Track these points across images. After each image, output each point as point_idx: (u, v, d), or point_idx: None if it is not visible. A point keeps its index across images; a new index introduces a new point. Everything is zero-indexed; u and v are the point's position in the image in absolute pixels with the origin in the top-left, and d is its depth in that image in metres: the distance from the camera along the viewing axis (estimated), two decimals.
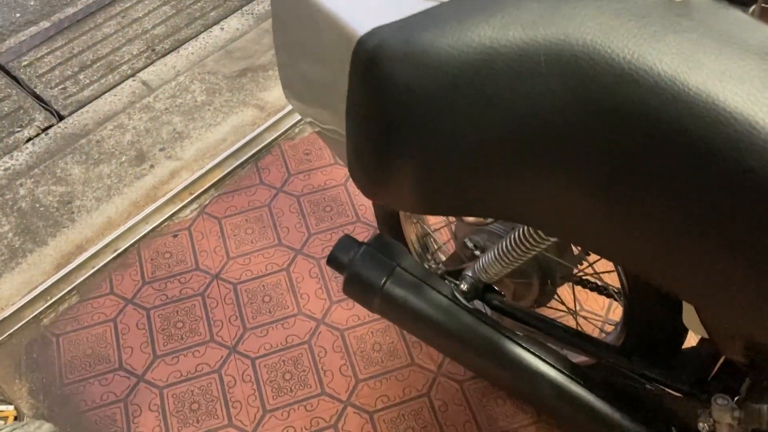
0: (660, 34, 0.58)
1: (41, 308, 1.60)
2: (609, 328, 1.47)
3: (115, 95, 2.09)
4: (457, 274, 1.19)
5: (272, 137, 1.90)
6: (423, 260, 1.45)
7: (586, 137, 0.61)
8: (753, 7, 0.62)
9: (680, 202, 0.59)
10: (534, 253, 0.98)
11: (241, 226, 1.72)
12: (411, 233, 1.41)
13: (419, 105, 0.63)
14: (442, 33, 0.61)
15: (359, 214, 1.72)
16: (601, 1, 0.60)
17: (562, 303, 1.36)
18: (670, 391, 1.01)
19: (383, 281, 1.11)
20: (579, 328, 1.43)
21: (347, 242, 1.17)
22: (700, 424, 0.91)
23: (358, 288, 1.14)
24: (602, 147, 0.61)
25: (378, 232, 1.32)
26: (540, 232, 0.93)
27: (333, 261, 1.17)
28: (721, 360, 0.99)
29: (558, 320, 1.44)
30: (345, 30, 0.67)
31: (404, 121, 0.65)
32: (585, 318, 1.46)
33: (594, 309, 1.53)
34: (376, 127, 0.67)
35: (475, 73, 0.61)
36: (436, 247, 1.46)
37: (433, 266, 1.44)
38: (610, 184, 0.63)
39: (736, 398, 0.92)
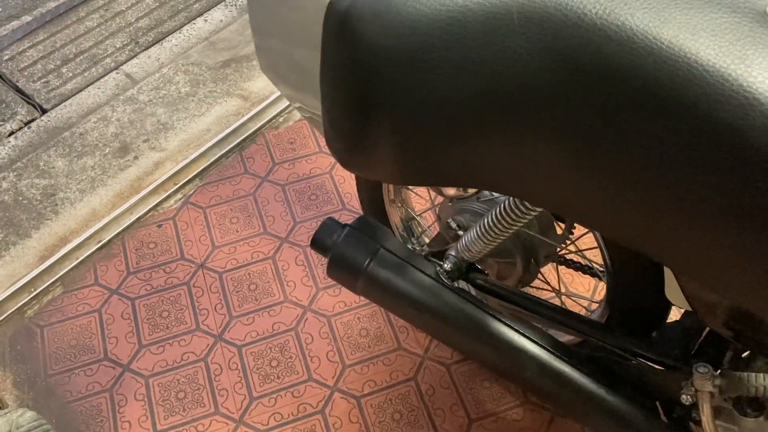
0: None
1: (25, 300, 1.59)
2: (594, 307, 1.48)
3: (98, 88, 2.07)
4: (442, 256, 1.19)
5: (256, 127, 1.89)
6: (407, 244, 1.44)
7: (560, 95, 0.61)
8: None
9: (657, 160, 0.59)
10: (516, 228, 0.98)
11: (226, 215, 1.71)
12: (395, 217, 1.41)
13: (392, 66, 0.63)
14: None
15: (344, 202, 1.72)
16: None
17: (547, 283, 1.36)
18: (654, 365, 1.01)
19: (367, 262, 1.10)
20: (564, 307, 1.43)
21: (330, 224, 1.16)
22: (683, 396, 0.91)
23: (342, 270, 1.13)
24: (577, 105, 0.60)
25: (363, 215, 1.32)
26: (522, 204, 0.93)
27: (316, 243, 1.16)
28: (705, 333, 0.99)
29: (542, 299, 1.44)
30: None
31: (377, 83, 0.64)
32: (570, 297, 1.46)
33: (579, 291, 1.53)
34: (350, 91, 0.67)
35: (448, 33, 0.60)
36: (420, 230, 1.46)
37: (418, 249, 1.43)
38: (586, 143, 0.62)
39: (718, 370, 0.92)
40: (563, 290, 1.51)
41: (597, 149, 0.62)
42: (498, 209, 0.96)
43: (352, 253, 1.11)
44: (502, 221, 0.97)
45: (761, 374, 0.83)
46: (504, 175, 0.72)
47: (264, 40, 0.87)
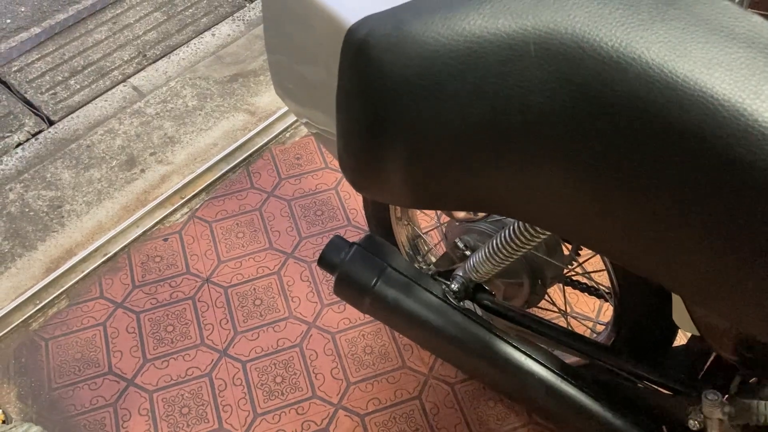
0: (648, 22, 0.59)
1: (30, 312, 1.59)
2: (600, 329, 1.48)
3: (105, 100, 2.08)
4: (448, 275, 1.19)
5: (263, 142, 1.90)
6: (414, 262, 1.45)
7: (575, 125, 0.61)
8: None
9: (669, 190, 0.60)
10: (524, 250, 0.98)
11: (231, 230, 1.71)
12: (402, 235, 1.41)
13: (408, 93, 0.63)
14: (431, 21, 0.62)
15: (350, 218, 1.72)
16: None
17: (553, 304, 1.36)
18: (660, 389, 1.01)
19: (374, 281, 1.10)
20: (570, 328, 1.43)
21: (338, 243, 1.16)
22: (691, 422, 0.91)
23: (349, 288, 1.13)
24: (591, 135, 0.61)
25: (370, 233, 1.32)
26: (531, 227, 0.93)
27: (324, 261, 1.16)
28: (712, 357, 0.99)
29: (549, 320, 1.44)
30: (336, 20, 0.67)
31: (393, 110, 0.65)
32: (575, 318, 1.46)
33: (585, 311, 1.53)
34: (365, 117, 0.67)
35: (464, 62, 0.61)
36: (426, 249, 1.46)
37: (424, 268, 1.43)
38: (599, 172, 0.63)
39: (725, 396, 0.92)
40: (569, 311, 1.51)
41: (610, 179, 0.62)
42: (506, 232, 0.97)
43: (359, 271, 1.12)
44: (511, 244, 0.97)
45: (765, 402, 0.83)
46: (515, 201, 0.73)
47: (276, 56, 0.88)
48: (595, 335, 1.26)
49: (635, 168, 0.60)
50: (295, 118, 1.94)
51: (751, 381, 0.92)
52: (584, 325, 1.47)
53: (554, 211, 0.71)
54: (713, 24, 0.58)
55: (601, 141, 0.60)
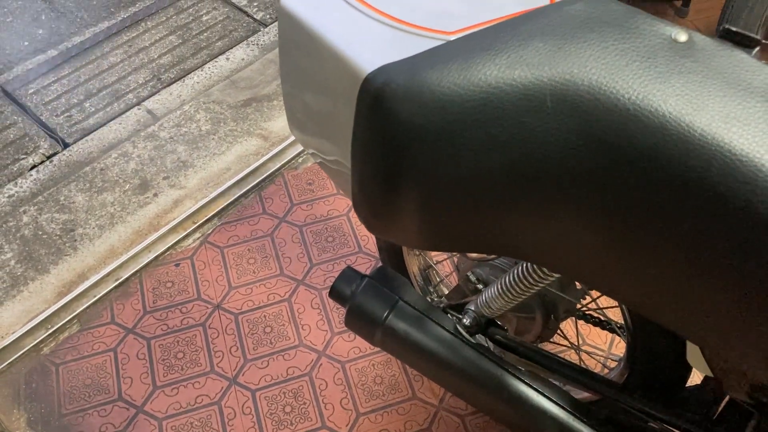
0: (665, 75, 0.59)
1: (41, 337, 1.59)
2: (612, 363, 1.46)
3: (120, 123, 2.10)
4: (460, 308, 1.19)
5: (276, 167, 1.90)
6: (425, 293, 1.44)
7: (591, 177, 0.61)
8: (756, 49, 0.62)
9: (685, 243, 0.59)
10: (537, 288, 0.98)
11: (243, 255, 1.72)
12: (413, 265, 1.41)
13: (424, 143, 0.63)
14: (447, 72, 0.62)
15: (361, 245, 1.72)
16: (606, 41, 0.61)
17: (565, 338, 1.35)
18: (673, 429, 1.00)
19: (385, 315, 1.10)
20: (582, 363, 1.42)
21: (349, 274, 1.16)
22: None
23: (360, 321, 1.13)
24: (606, 186, 0.61)
25: (380, 264, 1.32)
26: (543, 268, 0.93)
27: (335, 293, 1.16)
28: (726, 399, 0.98)
29: (561, 355, 1.43)
30: (351, 66, 0.68)
31: (409, 158, 0.65)
32: (587, 353, 1.45)
33: (597, 343, 1.51)
34: (381, 164, 0.67)
35: (480, 112, 0.61)
36: (438, 279, 1.46)
37: (435, 299, 1.43)
38: (614, 223, 0.63)
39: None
40: (580, 344, 1.50)
41: (625, 231, 0.62)
42: (519, 270, 0.97)
43: (370, 304, 1.12)
44: (524, 281, 0.97)
45: None
46: (527, 246, 0.73)
47: (289, 86, 0.89)
48: (607, 371, 1.25)
49: (651, 220, 0.60)
50: None
51: (766, 425, 0.91)
52: (596, 359, 1.46)
53: (567, 257, 0.71)
54: (730, 77, 0.58)
55: (617, 193, 0.60)
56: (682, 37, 0.61)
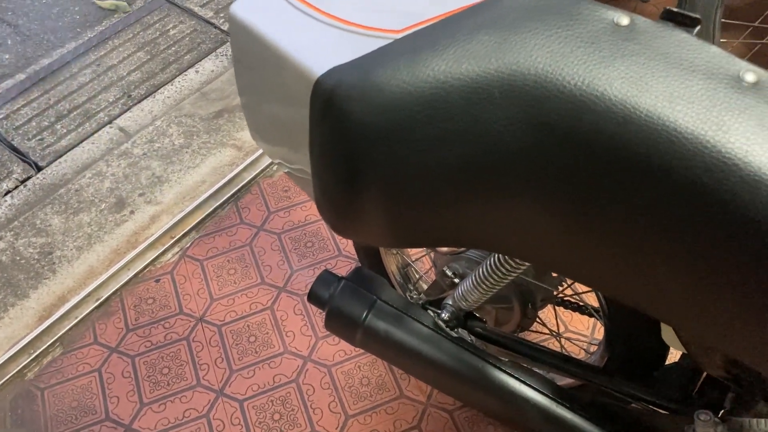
0: (608, 59, 0.59)
1: (25, 362, 1.58)
2: (594, 348, 1.47)
3: (92, 143, 2.09)
4: (439, 303, 1.19)
5: (251, 176, 1.90)
6: (405, 290, 1.45)
7: (544, 163, 0.62)
8: (697, 28, 0.63)
9: (639, 223, 0.60)
10: (511, 278, 0.99)
11: (223, 267, 1.72)
12: (391, 264, 1.41)
13: (379, 141, 0.64)
14: (396, 70, 0.62)
15: (341, 248, 1.72)
16: (550, 29, 0.62)
17: (545, 326, 1.36)
18: (655, 408, 1.01)
19: (364, 315, 1.10)
20: (564, 350, 1.43)
21: (327, 278, 1.16)
22: None
23: (340, 323, 1.13)
24: (560, 172, 0.62)
25: (358, 266, 1.32)
26: (512, 259, 0.94)
27: (313, 297, 1.16)
28: (704, 375, 0.99)
29: (542, 343, 1.44)
30: (302, 71, 0.68)
31: (366, 158, 0.66)
32: (569, 339, 1.46)
33: (580, 328, 1.53)
34: (339, 166, 0.68)
35: (431, 107, 0.62)
36: (417, 276, 1.46)
37: (415, 296, 1.43)
38: (572, 208, 0.63)
39: (721, 412, 0.92)
40: (562, 331, 1.51)
41: (581, 213, 0.63)
42: (490, 261, 0.97)
43: (349, 306, 1.12)
44: (496, 272, 0.97)
45: (763, 420, 0.83)
46: (491, 237, 0.73)
47: (248, 98, 0.89)
48: (588, 355, 1.26)
49: (606, 203, 0.61)
50: None
51: (746, 396, 0.92)
52: (578, 345, 1.47)
53: (532, 245, 0.71)
54: (672, 58, 0.59)
55: (570, 177, 0.61)
56: (624, 20, 0.62)
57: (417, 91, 0.62)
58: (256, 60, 0.76)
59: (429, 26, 0.65)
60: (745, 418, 0.85)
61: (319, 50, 0.68)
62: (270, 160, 1.93)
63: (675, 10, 0.64)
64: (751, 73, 0.58)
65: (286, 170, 0.90)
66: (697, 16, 0.62)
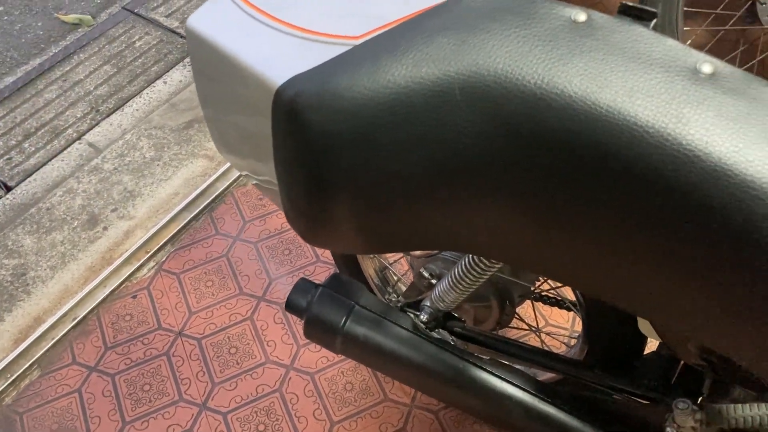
0: (567, 56, 0.60)
1: (2, 387, 1.56)
2: (574, 341, 1.48)
3: (62, 160, 2.06)
4: (418, 305, 1.19)
5: (224, 186, 1.89)
6: (384, 293, 1.44)
7: (509, 163, 0.62)
8: (654, 21, 0.63)
9: (608, 218, 0.60)
10: (486, 277, 0.99)
11: (200, 279, 1.70)
12: (369, 268, 1.41)
13: (343, 149, 0.64)
14: (356, 76, 0.62)
15: (318, 255, 1.72)
16: (508, 29, 0.62)
17: (524, 321, 1.36)
18: (636, 398, 1.02)
19: (343, 321, 1.10)
20: (544, 345, 1.44)
21: (303, 286, 1.16)
22: (668, 429, 0.92)
23: (319, 330, 1.13)
24: (526, 169, 0.62)
25: (335, 272, 1.32)
26: (484, 260, 0.94)
27: (291, 306, 1.15)
28: (682, 363, 1.00)
29: (522, 339, 1.44)
30: (262, 81, 0.67)
31: (331, 166, 0.65)
32: (548, 334, 1.47)
33: (560, 322, 1.53)
34: (305, 175, 0.67)
35: (393, 113, 0.61)
36: (395, 279, 1.46)
37: (394, 299, 1.43)
38: (540, 206, 0.63)
39: (699, 398, 0.93)
40: (543, 325, 1.52)
41: (549, 211, 0.63)
42: (463, 263, 0.97)
43: (327, 313, 1.11)
44: (471, 273, 0.97)
45: (740, 405, 0.83)
46: (463, 238, 0.73)
47: (210, 110, 0.88)
48: (568, 349, 1.27)
49: (572, 199, 0.61)
50: None
51: (722, 383, 0.93)
52: (558, 340, 1.48)
53: (503, 244, 0.71)
54: (630, 52, 0.59)
55: (536, 174, 0.61)
56: (582, 17, 0.62)
57: (378, 97, 0.61)
58: (216, 72, 0.75)
59: (388, 31, 0.65)
60: (722, 404, 0.86)
61: (278, 60, 0.67)
62: None
63: (631, 4, 0.64)
64: (707, 65, 0.59)
65: (254, 182, 0.89)
66: (654, 9, 0.62)
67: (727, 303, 0.59)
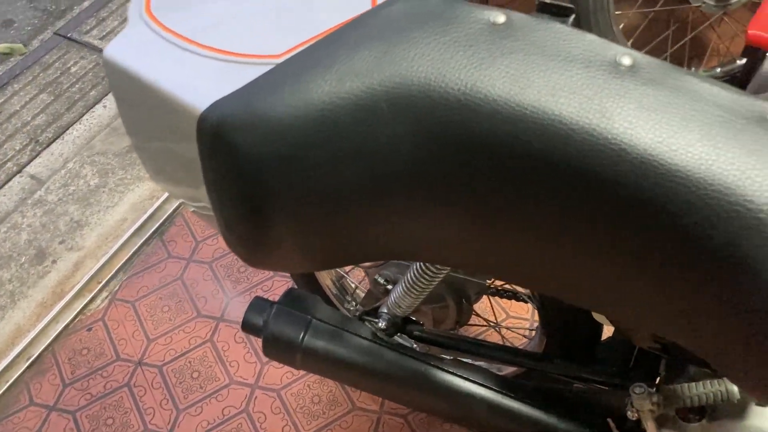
0: (488, 60, 0.59)
1: None
2: (534, 334, 1.49)
3: (3, 195, 2.00)
4: (377, 312, 1.18)
5: (173, 208, 1.86)
6: (343, 302, 1.43)
7: (443, 170, 0.61)
8: (571, 17, 0.64)
9: (545, 216, 0.61)
10: (439, 280, 0.99)
11: (156, 305, 1.67)
12: (326, 279, 1.40)
13: (273, 170, 0.62)
14: (280, 95, 0.61)
15: None
16: (429, 37, 0.61)
17: (483, 318, 1.37)
18: (597, 385, 1.03)
19: (300, 337, 1.09)
20: (505, 339, 1.45)
21: (258, 304, 1.14)
22: (629, 413, 0.93)
23: (278, 348, 1.12)
24: (460, 177, 0.61)
25: (290, 287, 1.31)
26: (432, 265, 0.94)
27: (247, 326, 1.14)
28: (638, 347, 1.01)
29: (484, 335, 1.45)
30: (185, 108, 0.66)
31: (264, 189, 0.64)
32: (508, 328, 1.48)
33: (520, 313, 1.54)
34: (239, 200, 0.66)
35: (321, 130, 0.61)
36: (353, 287, 1.45)
37: (353, 308, 1.42)
38: (478, 210, 0.63)
39: (657, 379, 0.94)
40: (503, 319, 1.53)
41: (488, 215, 0.63)
42: (414, 269, 0.97)
43: (284, 330, 1.10)
44: (422, 280, 0.97)
45: (693, 384, 0.85)
46: (406, 247, 0.73)
47: (137, 139, 0.86)
48: (529, 341, 1.28)
49: (508, 200, 0.61)
50: None
51: (677, 363, 0.94)
52: (518, 333, 1.49)
53: (447, 249, 0.71)
54: (550, 50, 0.59)
55: (470, 179, 0.61)
56: (501, 18, 0.62)
57: (304, 116, 0.60)
58: (138, 101, 0.74)
59: (310, 46, 0.64)
60: (678, 384, 0.88)
61: (199, 85, 0.66)
62: None
63: (548, 1, 0.64)
64: (627, 57, 0.59)
65: (192, 209, 0.88)
66: (571, 6, 0.63)
67: (666, 293, 0.60)
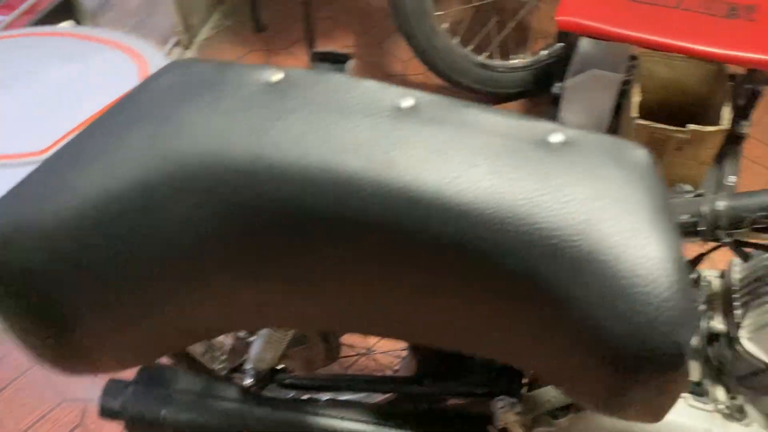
0: (269, 123, 0.57)
1: None
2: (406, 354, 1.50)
3: None
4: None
5: None
6: (213, 360, 1.37)
7: (245, 241, 0.58)
8: (349, 62, 0.62)
9: (361, 271, 0.59)
10: (291, 336, 0.96)
11: (13, 400, 1.53)
12: None
13: (58, 279, 0.57)
14: (45, 199, 0.55)
15: None
16: (203, 108, 0.58)
17: (353, 348, 1.35)
18: (468, 400, 1.03)
19: (162, 414, 1.03)
20: (381, 364, 1.44)
21: (113, 387, 1.07)
22: (498, 423, 0.94)
23: (143, 430, 1.05)
24: (264, 244, 0.59)
25: (142, 366, 1.23)
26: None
27: (105, 412, 1.07)
28: None
29: (358, 364, 1.44)
30: None
31: (53, 299, 0.58)
32: (382, 352, 1.47)
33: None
34: (25, 315, 0.60)
35: (100, 226, 0.56)
36: (221, 342, 1.39)
37: (223, 366, 1.37)
38: (294, 275, 0.61)
39: (521, 390, 0.95)
40: (374, 344, 1.52)
41: (300, 276, 0.61)
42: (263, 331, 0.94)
43: (144, 411, 1.04)
44: (273, 338, 0.95)
45: (549, 388, 0.87)
46: (242, 318, 0.70)
47: None
48: (403, 360, 1.27)
49: (317, 259, 0.59)
50: None
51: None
52: (391, 355, 1.48)
53: (275, 313, 0.69)
54: (330, 104, 0.58)
55: (271, 247, 0.58)
56: (277, 76, 0.60)
57: (77, 216, 0.55)
58: None
59: (74, 138, 0.59)
60: (540, 388, 0.90)
61: None
62: None
63: (323, 50, 0.62)
64: (407, 99, 0.58)
65: None
66: (346, 52, 0.61)
67: (493, 323, 0.60)
